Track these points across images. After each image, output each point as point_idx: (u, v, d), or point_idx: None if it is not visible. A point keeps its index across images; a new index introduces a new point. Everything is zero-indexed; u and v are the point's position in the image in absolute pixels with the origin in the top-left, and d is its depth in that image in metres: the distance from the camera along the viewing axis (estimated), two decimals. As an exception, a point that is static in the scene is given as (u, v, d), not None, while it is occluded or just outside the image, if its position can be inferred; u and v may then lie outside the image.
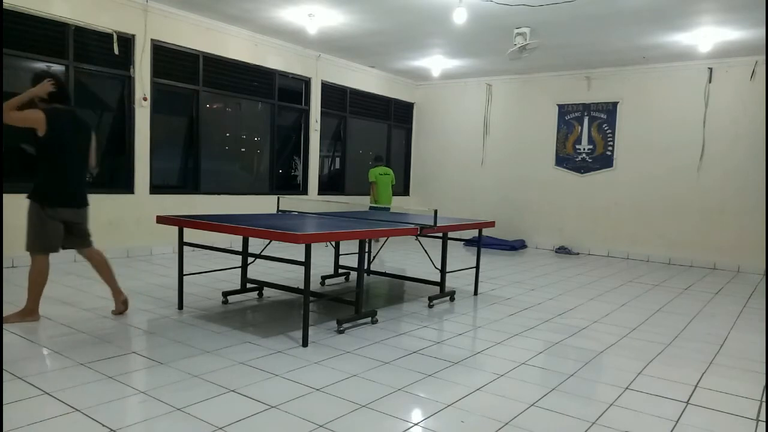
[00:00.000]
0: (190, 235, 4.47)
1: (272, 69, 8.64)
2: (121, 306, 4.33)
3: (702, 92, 8.64)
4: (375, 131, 11.14)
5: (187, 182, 7.87)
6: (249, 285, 5.12)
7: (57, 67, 6.33)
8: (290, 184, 9.67)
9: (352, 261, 5.71)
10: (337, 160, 10.55)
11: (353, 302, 4.37)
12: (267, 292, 5.25)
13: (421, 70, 10.31)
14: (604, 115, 9.55)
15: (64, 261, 6.40)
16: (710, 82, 8.58)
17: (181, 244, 4.44)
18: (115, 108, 7.02)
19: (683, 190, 8.83)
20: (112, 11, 6.62)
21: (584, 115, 9.73)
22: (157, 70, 7.14)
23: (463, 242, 9.41)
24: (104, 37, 6.60)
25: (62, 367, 3.17)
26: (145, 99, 6.99)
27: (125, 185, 6.98)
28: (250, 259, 4.99)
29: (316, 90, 9.43)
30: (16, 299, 4.63)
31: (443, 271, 5.41)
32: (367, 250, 5.70)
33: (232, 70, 8.14)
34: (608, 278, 7.22)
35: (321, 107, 9.59)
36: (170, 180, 7.79)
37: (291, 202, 7.06)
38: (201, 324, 4.17)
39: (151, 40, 7.03)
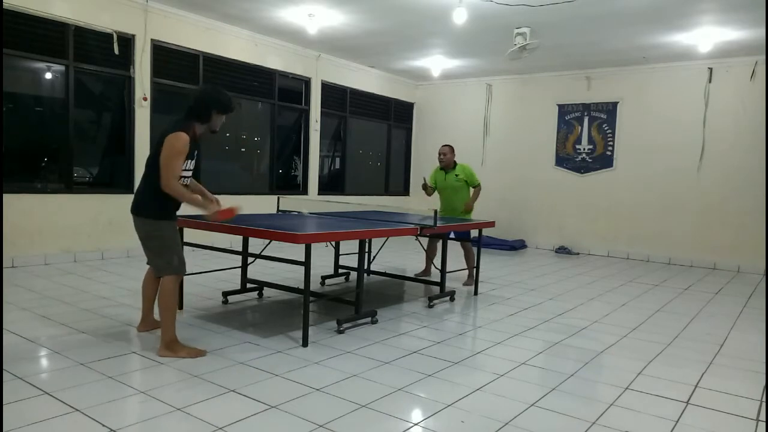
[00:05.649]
0: (190, 235, 4.46)
1: (272, 69, 8.64)
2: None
3: (702, 92, 8.64)
4: (375, 131, 11.13)
5: (187, 182, 7.85)
6: (249, 285, 5.12)
7: (57, 67, 6.35)
8: (290, 184, 9.66)
9: (352, 261, 5.70)
10: (337, 160, 10.54)
11: (353, 302, 4.37)
12: (267, 292, 5.25)
13: (421, 70, 10.31)
14: (604, 115, 9.54)
15: (64, 261, 6.41)
16: (710, 82, 8.57)
17: (181, 244, 4.43)
18: (115, 108, 7.02)
19: (683, 190, 8.82)
20: (112, 11, 6.61)
21: (584, 115, 9.72)
22: (157, 70, 7.13)
23: (463, 242, 9.40)
24: (104, 37, 6.60)
25: (62, 367, 3.17)
26: (145, 99, 6.98)
27: (125, 185, 6.97)
28: (250, 259, 4.98)
29: (316, 90, 9.42)
30: (16, 299, 4.64)
31: (443, 271, 5.41)
32: (367, 250, 5.70)
33: (232, 70, 8.13)
34: (608, 278, 7.21)
35: (321, 107, 9.58)
36: (170, 180, 7.77)
37: (291, 202, 7.06)
38: (201, 324, 4.17)
39: (151, 40, 7.02)
